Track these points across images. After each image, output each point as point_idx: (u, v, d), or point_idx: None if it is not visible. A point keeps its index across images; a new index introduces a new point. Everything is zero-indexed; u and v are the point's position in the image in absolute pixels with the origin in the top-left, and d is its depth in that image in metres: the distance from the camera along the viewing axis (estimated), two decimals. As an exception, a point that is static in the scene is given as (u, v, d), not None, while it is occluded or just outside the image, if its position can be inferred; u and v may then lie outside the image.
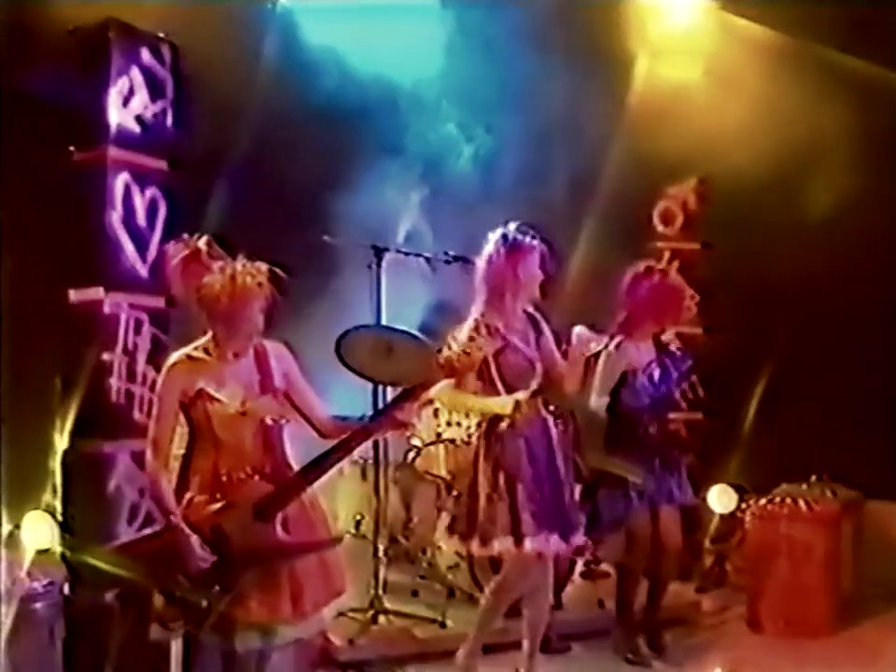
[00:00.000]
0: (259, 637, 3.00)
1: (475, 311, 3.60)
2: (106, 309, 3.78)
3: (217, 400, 3.00)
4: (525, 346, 3.64)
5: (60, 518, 3.74)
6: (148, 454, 2.99)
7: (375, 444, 4.46)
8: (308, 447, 3.13)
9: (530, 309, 3.71)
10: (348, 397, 4.04)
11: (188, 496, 2.98)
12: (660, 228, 5.52)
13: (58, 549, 3.71)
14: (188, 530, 2.90)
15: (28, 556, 3.66)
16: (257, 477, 2.96)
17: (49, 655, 3.53)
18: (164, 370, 3.04)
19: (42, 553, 3.73)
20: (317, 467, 2.99)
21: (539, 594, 3.73)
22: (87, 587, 3.63)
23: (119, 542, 3.48)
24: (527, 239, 3.55)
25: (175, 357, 3.08)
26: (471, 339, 3.23)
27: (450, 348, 3.11)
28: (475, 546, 3.55)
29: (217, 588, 2.90)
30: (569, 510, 3.65)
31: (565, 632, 4.39)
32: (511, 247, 3.53)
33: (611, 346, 4.02)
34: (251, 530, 2.91)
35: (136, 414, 3.82)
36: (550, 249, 3.60)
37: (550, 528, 3.54)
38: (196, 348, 3.07)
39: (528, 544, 3.48)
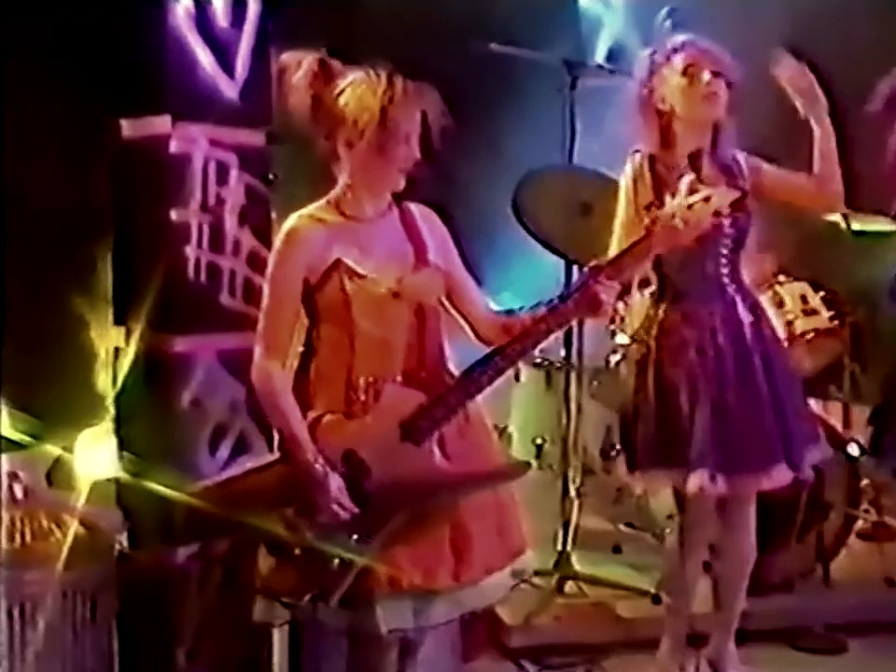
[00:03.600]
0: (408, 614, 2.43)
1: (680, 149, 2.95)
2: (175, 147, 2.98)
3: (361, 276, 2.48)
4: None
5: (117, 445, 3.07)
6: (261, 355, 2.48)
7: (566, 341, 3.92)
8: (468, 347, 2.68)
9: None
10: (521, 284, 3.84)
11: (310, 415, 2.47)
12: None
13: (121, 479, 3.04)
14: (318, 460, 2.35)
15: (84, 490, 2.93)
16: (408, 385, 2.46)
17: (95, 639, 2.84)
18: (282, 237, 2.52)
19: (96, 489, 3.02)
20: (485, 370, 2.48)
21: (732, 541, 3.01)
22: (152, 540, 2.94)
23: (204, 481, 2.78)
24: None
25: (294, 218, 2.56)
26: (692, 190, 2.53)
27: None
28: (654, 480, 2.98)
29: (354, 539, 2.34)
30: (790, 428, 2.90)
31: (836, 622, 3.54)
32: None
33: None
34: (398, 457, 2.40)
35: (224, 298, 3.07)
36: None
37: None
38: (321, 207, 2.55)
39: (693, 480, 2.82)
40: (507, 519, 2.60)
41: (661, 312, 3.03)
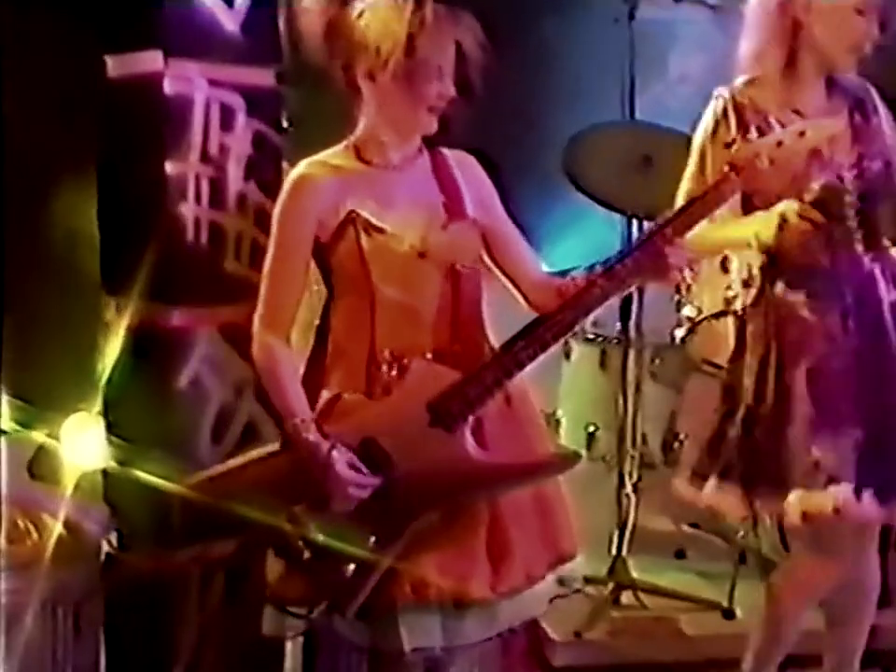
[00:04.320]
0: (436, 630, 2.30)
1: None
2: (170, 88, 2.81)
3: (380, 230, 2.34)
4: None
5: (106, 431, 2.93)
6: (261, 326, 2.36)
7: (624, 313, 3.75)
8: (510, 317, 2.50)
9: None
10: (578, 241, 3.67)
11: (325, 394, 2.34)
12: None
13: (110, 470, 2.92)
14: (326, 448, 2.22)
15: (69, 483, 2.81)
16: (440, 360, 2.32)
17: (79, 655, 2.75)
18: (288, 186, 2.37)
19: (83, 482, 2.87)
20: (528, 344, 2.31)
21: (854, 582, 2.78)
22: (145, 541, 2.88)
23: (203, 472, 2.58)
24: None
25: (304, 165, 2.40)
26: (785, 124, 2.37)
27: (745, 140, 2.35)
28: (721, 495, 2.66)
29: (373, 541, 2.24)
30: None
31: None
32: None
33: None
34: (426, 446, 2.27)
35: (229, 263, 2.95)
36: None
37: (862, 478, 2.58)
38: (337, 153, 2.39)
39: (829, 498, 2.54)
40: (553, 519, 2.47)
41: (774, 292, 2.66)
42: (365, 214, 2.36)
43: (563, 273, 2.49)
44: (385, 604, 2.33)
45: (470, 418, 2.32)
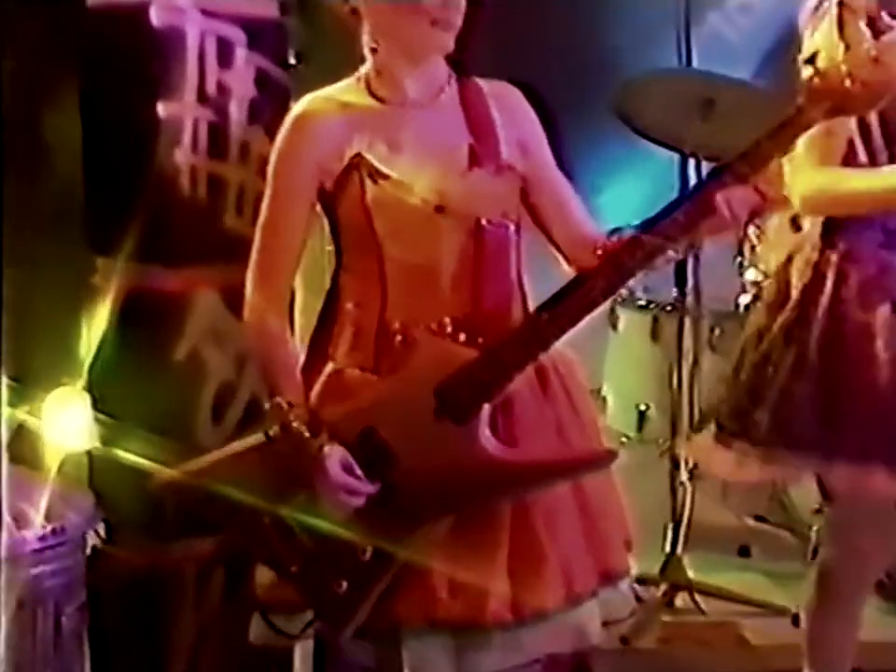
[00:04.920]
0: (442, 658, 2.16)
1: None
2: (158, 18, 2.72)
3: (386, 177, 2.19)
4: None
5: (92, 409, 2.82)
6: (252, 289, 2.24)
7: (679, 277, 3.64)
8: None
9: None
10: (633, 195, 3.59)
11: (328, 369, 2.20)
12: None
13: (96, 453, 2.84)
14: (316, 443, 2.09)
15: (52, 467, 2.72)
16: (460, 334, 2.17)
17: (60, 661, 2.65)
18: (287, 125, 2.24)
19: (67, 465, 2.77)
20: (555, 317, 2.14)
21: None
22: (135, 533, 2.84)
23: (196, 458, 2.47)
24: None
25: (306, 101, 2.27)
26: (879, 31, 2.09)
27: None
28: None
29: (369, 553, 2.11)
30: None
31: None
32: None
33: None
34: (434, 440, 2.13)
35: (230, 219, 2.87)
36: None
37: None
38: (346, 87, 2.27)
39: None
40: (604, 518, 2.28)
41: (838, 247, 2.51)
42: (371, 158, 2.24)
43: (614, 232, 2.32)
44: (385, 626, 2.20)
45: (486, 407, 2.17)
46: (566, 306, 2.16)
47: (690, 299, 3.71)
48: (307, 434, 2.13)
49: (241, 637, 2.54)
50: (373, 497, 2.15)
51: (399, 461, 2.15)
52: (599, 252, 2.24)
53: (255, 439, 2.22)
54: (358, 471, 2.12)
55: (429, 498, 2.17)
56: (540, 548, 2.19)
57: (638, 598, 3.13)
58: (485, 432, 2.13)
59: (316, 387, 2.21)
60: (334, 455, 2.11)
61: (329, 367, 2.21)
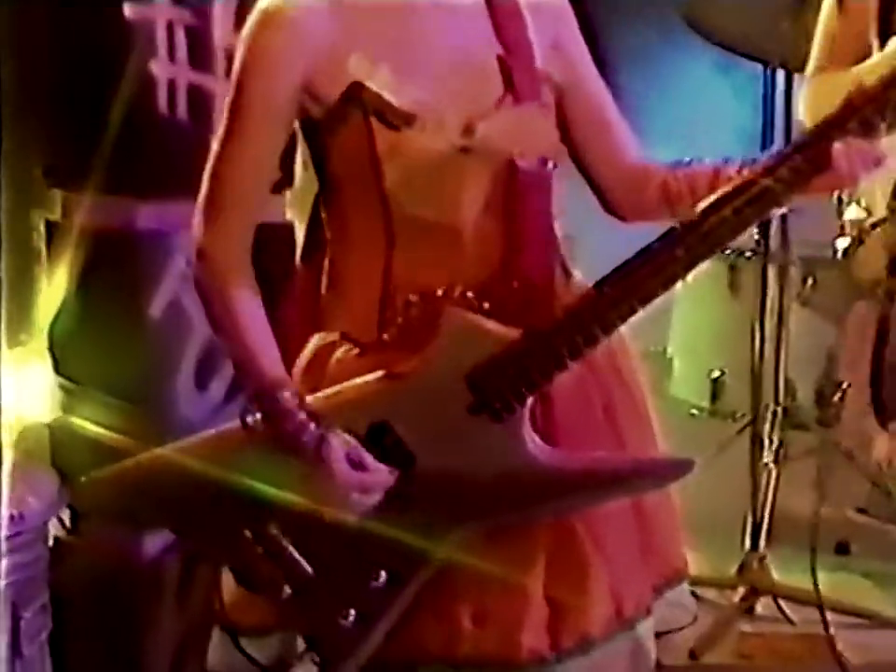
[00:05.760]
0: None
1: None
2: None
3: (404, 118, 2.03)
4: None
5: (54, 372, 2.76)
6: (204, 229, 2.09)
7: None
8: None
9: None
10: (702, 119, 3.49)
11: (314, 340, 2.11)
12: None
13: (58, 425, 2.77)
14: (315, 431, 2.00)
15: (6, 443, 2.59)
16: (483, 305, 2.08)
17: (18, 670, 2.56)
18: (254, 22, 2.04)
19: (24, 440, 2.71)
20: (637, 285, 2.01)
21: None
22: (105, 521, 2.67)
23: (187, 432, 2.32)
24: None
25: None
26: None
27: None
28: None
29: (379, 579, 2.05)
30: None
31: None
32: None
33: None
34: (463, 439, 2.05)
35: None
36: None
37: None
38: None
39: None
40: (659, 514, 2.22)
41: None
42: (376, 88, 2.06)
43: (676, 166, 2.19)
44: (396, 663, 2.13)
45: (529, 401, 2.05)
46: (637, 280, 2.03)
47: (775, 242, 3.62)
48: (302, 417, 2.01)
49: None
50: (387, 507, 2.07)
51: (418, 464, 2.05)
52: (667, 194, 2.17)
53: (239, 426, 2.10)
54: (370, 459, 2.02)
55: (455, 510, 2.09)
56: (584, 561, 2.11)
57: (712, 602, 3.13)
58: (529, 431, 2.04)
59: (299, 364, 2.11)
60: (334, 443, 2.01)
61: (317, 339, 2.11)
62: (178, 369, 2.80)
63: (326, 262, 2.15)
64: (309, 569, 2.06)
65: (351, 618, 2.06)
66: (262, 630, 2.17)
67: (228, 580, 2.12)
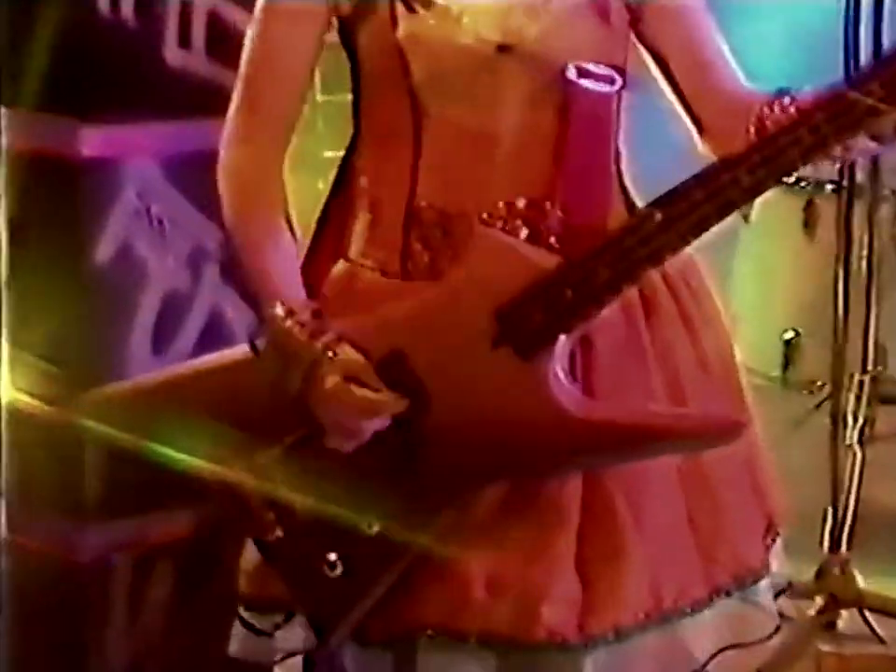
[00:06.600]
0: None
1: None
2: None
3: (427, 4, 2.14)
4: None
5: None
6: (233, 141, 2.21)
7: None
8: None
9: None
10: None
11: (337, 268, 2.20)
12: None
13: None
14: (319, 346, 2.10)
15: None
16: (521, 230, 2.13)
17: None
18: None
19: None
20: (694, 207, 2.07)
21: None
22: (49, 514, 2.76)
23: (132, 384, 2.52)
24: None
25: None
26: None
27: None
28: None
29: (377, 528, 2.12)
30: None
31: None
32: None
33: None
34: (485, 377, 2.09)
35: (171, 52, 2.81)
36: None
37: None
38: None
39: None
40: (725, 489, 2.21)
41: None
42: None
43: (779, 94, 2.17)
44: (396, 633, 2.15)
45: (562, 339, 2.07)
46: (690, 204, 2.04)
47: (862, 172, 3.44)
48: (306, 339, 2.11)
49: (197, 653, 2.58)
50: (391, 455, 2.14)
51: (431, 401, 2.09)
52: (759, 125, 2.15)
53: (231, 354, 2.25)
54: (376, 381, 2.10)
55: (470, 458, 2.11)
56: (622, 536, 2.13)
57: (782, 615, 2.69)
58: (559, 374, 2.04)
59: (323, 290, 2.18)
60: (341, 360, 2.11)
61: (340, 265, 2.16)
62: (130, 329, 2.73)
63: (355, 187, 2.26)
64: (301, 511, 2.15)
65: (338, 570, 2.11)
66: (271, 607, 2.24)
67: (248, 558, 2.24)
